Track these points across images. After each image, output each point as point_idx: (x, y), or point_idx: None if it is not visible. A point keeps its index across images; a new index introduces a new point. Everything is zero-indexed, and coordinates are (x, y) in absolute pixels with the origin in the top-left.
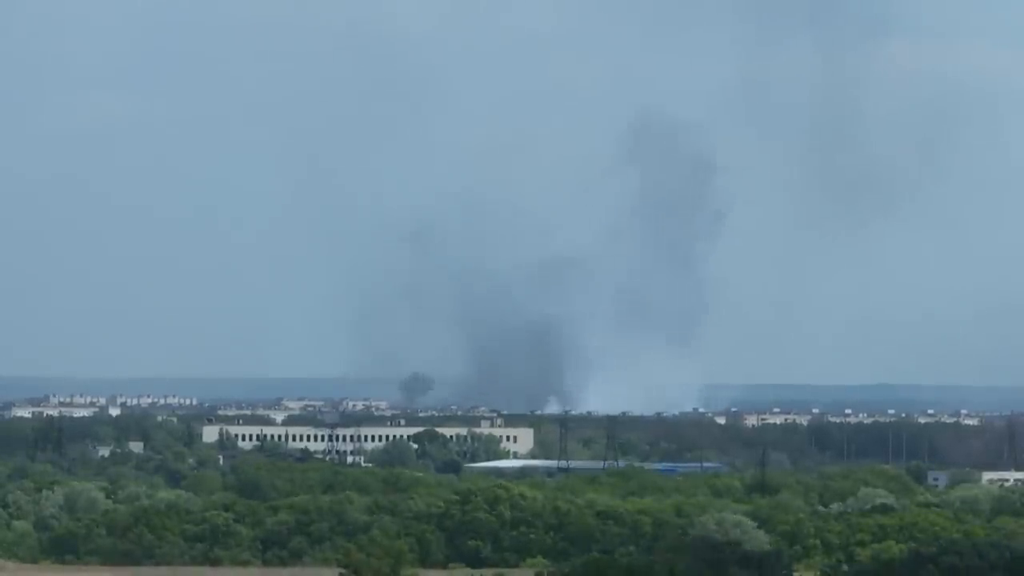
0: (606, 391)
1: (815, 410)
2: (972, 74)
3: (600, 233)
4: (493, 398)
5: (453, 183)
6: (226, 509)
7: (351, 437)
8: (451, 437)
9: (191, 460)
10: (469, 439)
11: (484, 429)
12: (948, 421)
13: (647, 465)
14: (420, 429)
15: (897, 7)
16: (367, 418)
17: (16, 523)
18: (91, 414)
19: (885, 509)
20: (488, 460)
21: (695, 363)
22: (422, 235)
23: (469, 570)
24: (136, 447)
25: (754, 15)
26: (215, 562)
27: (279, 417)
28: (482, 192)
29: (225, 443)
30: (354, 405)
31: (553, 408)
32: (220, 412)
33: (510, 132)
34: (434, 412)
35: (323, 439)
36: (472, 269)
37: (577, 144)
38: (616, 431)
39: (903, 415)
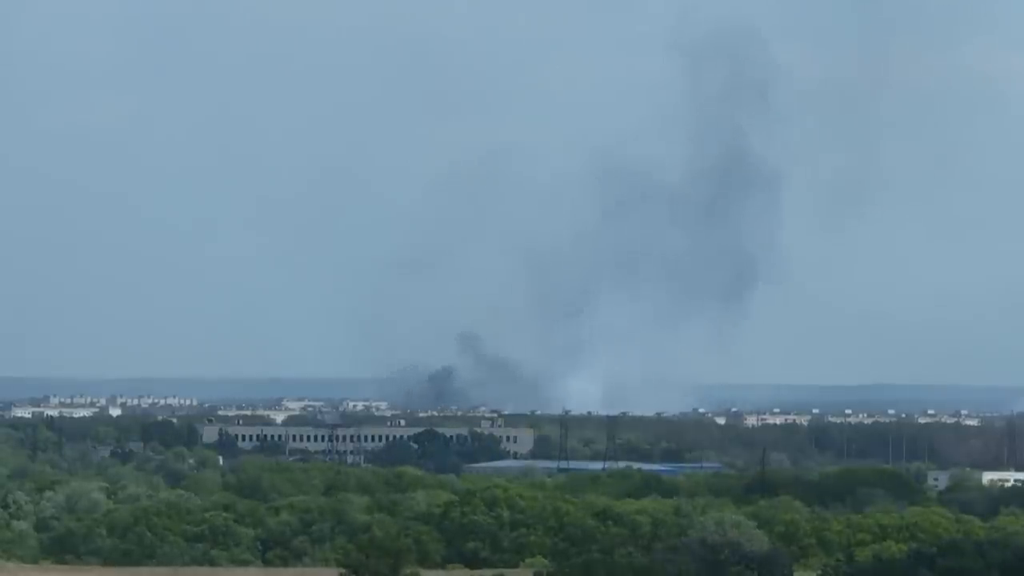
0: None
1: (815, 410)
2: (978, 75)
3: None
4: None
5: (476, 153)
6: (226, 509)
7: (351, 437)
8: (451, 437)
9: (191, 460)
10: (469, 439)
11: (484, 429)
12: (948, 421)
13: (647, 465)
14: (420, 429)
15: (907, 7)
16: (367, 418)
17: (16, 523)
18: (91, 414)
19: (885, 509)
20: (488, 460)
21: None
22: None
23: (468, 570)
24: (136, 447)
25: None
26: (215, 562)
27: (279, 417)
28: (510, 166)
29: (225, 443)
30: (354, 405)
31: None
32: (220, 412)
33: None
34: (434, 412)
35: (323, 439)
36: (494, 241)
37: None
38: (616, 431)
39: (903, 415)
